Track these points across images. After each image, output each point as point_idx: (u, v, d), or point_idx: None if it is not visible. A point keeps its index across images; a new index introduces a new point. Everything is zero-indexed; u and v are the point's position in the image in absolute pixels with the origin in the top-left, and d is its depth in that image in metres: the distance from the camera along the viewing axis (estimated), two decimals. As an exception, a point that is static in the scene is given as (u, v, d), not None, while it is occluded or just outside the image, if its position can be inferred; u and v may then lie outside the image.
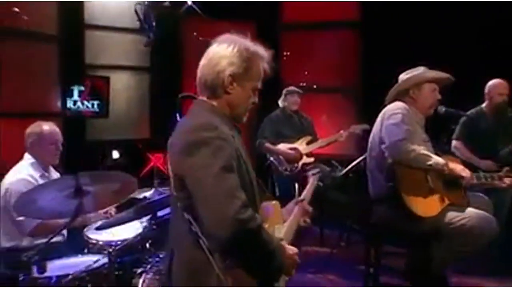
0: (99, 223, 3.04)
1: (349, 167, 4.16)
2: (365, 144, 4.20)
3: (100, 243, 3.00)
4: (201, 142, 1.64)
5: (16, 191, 2.86)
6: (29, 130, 3.12)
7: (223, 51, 1.80)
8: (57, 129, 3.15)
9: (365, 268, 3.40)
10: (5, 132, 5.05)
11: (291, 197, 2.26)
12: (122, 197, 2.63)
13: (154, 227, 2.95)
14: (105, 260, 2.57)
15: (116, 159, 6.91)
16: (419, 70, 3.21)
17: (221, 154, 1.63)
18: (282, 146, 4.74)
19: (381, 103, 3.25)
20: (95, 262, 2.53)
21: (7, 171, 3.11)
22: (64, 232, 3.14)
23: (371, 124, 4.30)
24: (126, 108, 6.84)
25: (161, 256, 2.90)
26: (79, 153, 5.68)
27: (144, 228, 3.02)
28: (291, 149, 4.75)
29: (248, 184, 1.74)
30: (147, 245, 3.01)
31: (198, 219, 1.67)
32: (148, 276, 2.72)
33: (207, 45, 1.86)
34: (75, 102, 5.99)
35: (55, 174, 3.20)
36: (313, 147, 4.70)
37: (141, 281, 2.69)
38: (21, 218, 2.88)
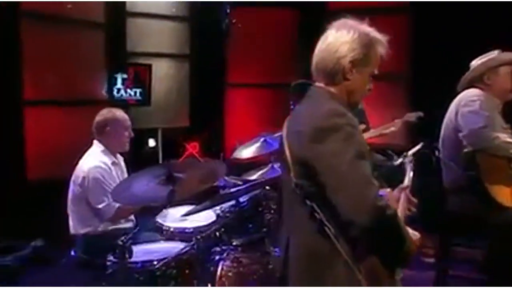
0: (172, 210, 3.07)
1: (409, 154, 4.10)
2: (417, 132, 4.14)
3: (172, 230, 3.03)
4: (331, 129, 1.63)
5: (93, 178, 2.93)
6: (100, 117, 3.15)
7: (343, 37, 1.78)
8: (126, 116, 3.17)
9: (434, 260, 3.35)
10: (51, 120, 5.09)
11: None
12: (211, 183, 2.64)
13: (228, 215, 2.96)
14: (184, 247, 2.58)
15: (152, 147, 6.93)
16: (493, 54, 3.13)
17: (353, 141, 1.62)
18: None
19: (432, 90, 3.18)
20: (184, 248, 2.53)
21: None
22: (133, 218, 3.17)
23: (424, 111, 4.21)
24: (166, 97, 6.85)
25: (234, 243, 2.90)
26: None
27: (218, 216, 3.02)
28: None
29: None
30: (217, 233, 3.01)
31: (322, 206, 1.65)
32: (226, 263, 2.72)
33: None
34: (118, 90, 6.00)
35: (122, 161, 3.22)
36: (366, 136, 4.62)
37: (219, 269, 2.69)
38: (102, 204, 2.90)
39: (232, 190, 2.78)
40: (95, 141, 3.18)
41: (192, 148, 7.20)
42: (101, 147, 3.14)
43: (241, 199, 2.87)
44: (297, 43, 6.44)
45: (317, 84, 1.85)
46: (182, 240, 2.94)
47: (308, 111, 1.75)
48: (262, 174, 3.19)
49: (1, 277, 2.40)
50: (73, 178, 3.08)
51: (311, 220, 1.67)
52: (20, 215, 4.34)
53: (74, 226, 3.05)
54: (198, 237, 2.62)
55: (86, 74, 5.51)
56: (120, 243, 2.28)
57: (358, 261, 1.63)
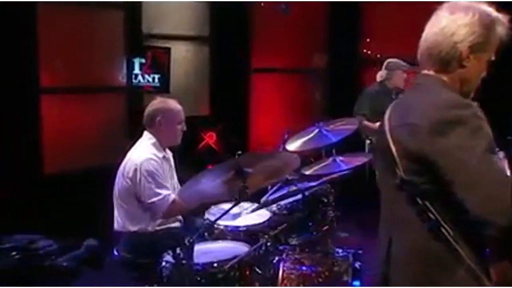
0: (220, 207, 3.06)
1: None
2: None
3: (223, 228, 3.00)
4: (456, 121, 1.58)
5: (146, 171, 2.93)
6: (153, 107, 3.10)
7: (461, 19, 1.70)
8: (177, 104, 3.14)
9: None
10: (68, 108, 5.06)
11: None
12: (282, 177, 2.63)
13: (285, 212, 2.94)
14: (254, 247, 2.56)
15: None
16: None
17: (481, 134, 1.57)
18: (382, 124, 4.66)
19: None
20: (253, 248, 2.52)
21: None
22: (181, 217, 3.15)
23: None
24: (184, 83, 6.79)
25: (292, 243, 2.89)
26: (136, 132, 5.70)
27: (274, 213, 3.00)
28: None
29: None
30: (271, 233, 2.99)
31: (438, 205, 1.61)
32: (287, 264, 2.71)
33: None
34: (136, 76, 5.95)
35: (171, 157, 3.20)
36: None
37: (280, 271, 2.67)
38: (154, 199, 2.87)
39: (300, 185, 2.74)
40: (145, 132, 3.13)
41: (209, 138, 7.18)
42: (152, 139, 3.09)
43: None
44: (326, 26, 6.40)
45: (425, 72, 1.80)
46: (234, 239, 2.92)
47: (422, 102, 1.69)
48: (322, 168, 3.16)
49: (58, 280, 2.38)
50: (121, 170, 3.04)
51: (422, 220, 1.62)
52: (38, 211, 4.39)
53: (121, 223, 3.01)
54: (266, 236, 2.59)
55: (104, 58, 5.46)
56: (187, 242, 2.25)
57: (484, 266, 1.60)
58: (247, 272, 2.55)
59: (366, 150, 4.66)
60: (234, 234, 2.96)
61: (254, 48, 6.61)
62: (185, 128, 3.16)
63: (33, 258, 2.36)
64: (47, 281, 2.30)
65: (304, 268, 2.70)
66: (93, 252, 2.59)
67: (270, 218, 3.04)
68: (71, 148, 4.98)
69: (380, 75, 4.79)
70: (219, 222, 3.01)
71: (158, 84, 6.41)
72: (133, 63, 5.78)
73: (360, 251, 2.81)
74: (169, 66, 6.46)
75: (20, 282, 2.30)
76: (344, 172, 2.66)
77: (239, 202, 2.39)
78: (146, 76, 6.23)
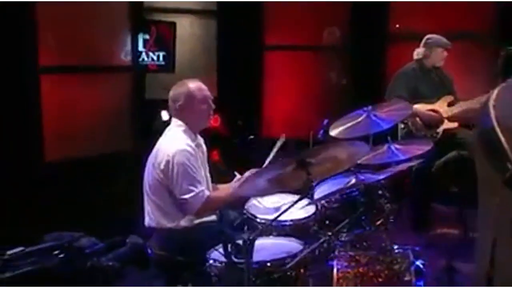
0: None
1: None
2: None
3: (264, 223, 2.97)
4: None
5: (179, 163, 2.90)
6: (174, 91, 3.08)
7: None
8: (204, 86, 3.09)
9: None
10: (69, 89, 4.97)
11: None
12: (348, 166, 2.61)
13: (335, 205, 2.91)
14: (316, 245, 2.54)
15: (166, 121, 6.81)
16: None
17: None
18: (421, 107, 4.63)
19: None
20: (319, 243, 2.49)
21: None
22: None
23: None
24: (189, 61, 6.69)
25: (342, 239, 2.87)
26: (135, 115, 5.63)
27: (323, 206, 2.98)
28: (429, 110, 4.64)
29: None
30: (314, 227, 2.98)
31: None
32: (341, 262, 2.70)
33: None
34: (139, 54, 5.86)
35: (202, 141, 3.16)
36: (457, 109, 4.59)
37: (335, 269, 2.65)
38: (188, 195, 2.85)
39: (362, 177, 2.71)
40: (173, 120, 3.10)
41: (213, 121, 7.10)
42: (182, 126, 3.05)
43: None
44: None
45: None
46: (279, 235, 2.89)
47: None
48: (377, 157, 3.10)
49: (102, 280, 2.35)
50: (151, 160, 3.00)
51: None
52: (38, 201, 4.33)
53: (154, 219, 2.98)
54: (329, 234, 2.56)
55: (107, 35, 5.33)
56: (245, 238, 2.23)
57: None
58: (302, 271, 2.53)
59: (399, 136, 4.65)
60: (279, 229, 2.92)
61: (267, 23, 6.51)
62: (213, 106, 3.11)
63: (76, 257, 2.32)
64: (91, 281, 2.26)
65: (360, 266, 2.66)
66: (137, 250, 2.55)
67: (315, 211, 3.01)
68: (74, 135, 4.91)
69: (418, 52, 4.73)
70: (259, 216, 3.00)
71: (162, 63, 6.32)
72: (137, 39, 5.68)
73: (417, 248, 2.79)
74: (175, 43, 6.37)
75: (63, 282, 2.26)
76: (412, 164, 2.62)
77: (305, 195, 2.36)
78: (150, 54, 6.14)
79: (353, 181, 2.71)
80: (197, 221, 3.01)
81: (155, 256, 2.94)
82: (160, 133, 6.65)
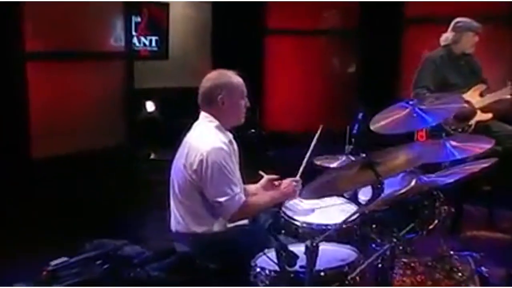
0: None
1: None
2: None
3: (305, 226, 2.96)
4: None
5: (214, 163, 2.85)
6: (211, 82, 3.01)
7: None
8: (238, 75, 3.07)
9: None
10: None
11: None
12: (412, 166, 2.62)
13: (385, 207, 2.91)
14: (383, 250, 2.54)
15: (151, 113, 6.77)
16: None
17: None
18: (450, 99, 4.68)
19: None
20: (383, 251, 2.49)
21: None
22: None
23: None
24: (181, 46, 6.64)
25: (387, 245, 2.87)
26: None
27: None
28: (461, 102, 4.69)
29: None
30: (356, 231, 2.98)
31: None
32: (395, 270, 2.70)
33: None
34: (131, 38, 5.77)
35: (232, 137, 3.14)
36: (489, 99, 4.63)
37: (390, 278, 2.65)
38: (224, 198, 2.84)
39: (426, 179, 2.70)
40: (202, 113, 3.04)
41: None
42: (214, 122, 2.99)
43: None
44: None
45: None
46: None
47: None
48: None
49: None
50: (181, 160, 2.94)
51: None
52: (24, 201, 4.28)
53: (183, 223, 2.94)
54: (395, 240, 2.55)
55: (95, 18, 5.21)
56: (309, 244, 2.22)
57: None
58: (358, 279, 2.52)
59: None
60: (322, 233, 2.91)
61: (269, 4, 6.48)
62: (248, 104, 3.09)
63: (121, 266, 2.30)
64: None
65: (417, 274, 2.68)
66: (185, 260, 2.53)
67: (358, 214, 3.00)
68: (64, 128, 4.84)
69: (446, 37, 4.73)
70: (302, 218, 3.00)
71: (155, 48, 6.26)
72: (130, 22, 5.60)
73: (479, 255, 2.82)
74: (168, 26, 6.31)
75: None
76: (485, 164, 2.60)
77: (377, 195, 2.37)
78: (142, 38, 6.07)
79: (413, 183, 2.70)
80: (230, 225, 2.97)
81: (185, 263, 2.90)
82: (144, 125, 6.59)
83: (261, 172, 3.26)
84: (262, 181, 3.25)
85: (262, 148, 6.26)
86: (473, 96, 4.67)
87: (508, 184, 4.59)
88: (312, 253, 2.25)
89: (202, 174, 2.86)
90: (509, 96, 4.59)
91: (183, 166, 2.93)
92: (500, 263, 3.96)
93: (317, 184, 2.44)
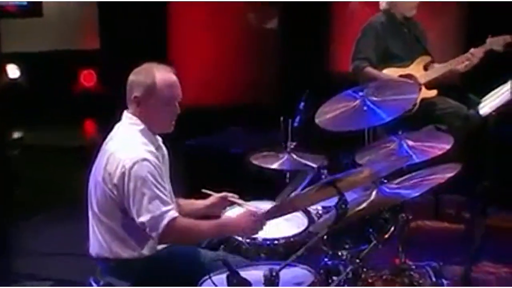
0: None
1: (497, 101, 4.57)
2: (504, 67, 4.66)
3: (248, 241, 3.22)
4: None
5: (138, 177, 2.94)
6: (134, 76, 3.10)
7: None
8: (176, 79, 3.14)
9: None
10: None
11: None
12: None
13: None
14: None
15: (14, 79, 6.75)
16: None
17: None
18: (392, 73, 5.03)
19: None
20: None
21: None
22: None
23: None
24: (60, 3, 6.58)
25: (344, 257, 3.21)
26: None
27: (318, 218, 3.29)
28: (404, 76, 5.03)
29: None
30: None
31: None
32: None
33: None
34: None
35: (160, 141, 3.27)
36: (435, 73, 5.03)
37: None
38: (143, 219, 2.94)
39: (392, 191, 2.98)
40: (126, 114, 3.14)
41: (86, 78, 7.03)
42: (139, 125, 3.08)
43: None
44: None
45: None
46: (269, 256, 3.16)
47: None
48: (386, 157, 3.35)
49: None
50: (100, 171, 3.02)
51: None
52: None
53: (107, 246, 3.05)
54: (358, 261, 2.87)
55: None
56: (268, 274, 2.46)
57: None
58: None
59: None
60: (269, 249, 3.18)
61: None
62: (178, 111, 3.15)
63: None
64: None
65: None
66: None
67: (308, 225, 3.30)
68: None
69: (382, 1, 5.09)
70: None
71: (25, 3, 6.16)
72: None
73: (436, 264, 3.14)
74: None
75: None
76: (451, 175, 2.87)
77: (344, 213, 2.65)
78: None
79: (373, 196, 2.99)
80: (160, 247, 3.11)
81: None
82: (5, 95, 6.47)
83: (206, 191, 3.41)
84: (213, 199, 3.41)
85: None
86: (417, 70, 5.05)
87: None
88: (272, 284, 2.49)
89: (124, 190, 2.95)
90: (461, 67, 5.01)
91: (102, 179, 3.02)
92: (450, 258, 4.49)
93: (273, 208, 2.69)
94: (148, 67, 3.13)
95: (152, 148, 3.08)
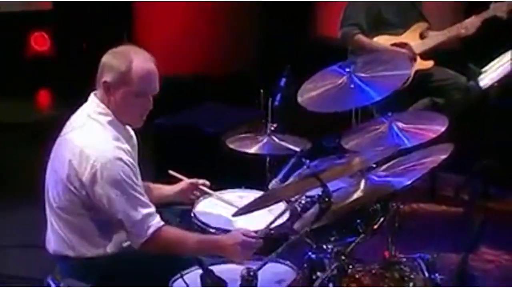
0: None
1: (498, 72, 4.63)
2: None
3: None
4: None
5: (110, 179, 2.96)
6: (107, 57, 3.09)
7: None
8: (154, 67, 3.11)
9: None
10: None
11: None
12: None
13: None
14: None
15: None
16: None
17: None
18: (384, 41, 5.07)
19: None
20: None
21: None
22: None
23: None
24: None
25: (330, 250, 3.27)
26: None
27: (301, 208, 3.34)
28: (397, 45, 5.08)
29: None
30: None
31: None
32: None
33: None
34: None
35: (133, 134, 3.30)
36: (432, 42, 5.07)
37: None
38: (128, 222, 2.99)
39: (381, 179, 3.04)
40: (95, 100, 3.13)
41: (38, 41, 6.91)
42: (108, 115, 3.08)
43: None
44: None
45: None
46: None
47: None
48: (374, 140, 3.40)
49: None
50: (65, 169, 3.01)
51: None
52: None
53: (69, 245, 3.09)
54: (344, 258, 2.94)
55: None
56: (245, 274, 2.56)
57: None
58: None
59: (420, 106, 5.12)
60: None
61: None
62: (151, 106, 3.14)
63: None
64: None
65: None
66: None
67: (290, 214, 3.31)
68: None
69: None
70: (213, 224, 3.30)
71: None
72: None
73: (429, 256, 3.18)
74: None
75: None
76: (444, 157, 2.90)
77: (327, 207, 2.71)
78: None
79: (362, 186, 3.04)
80: (127, 243, 3.14)
81: None
82: None
83: (172, 173, 3.48)
84: (183, 185, 3.46)
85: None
86: (412, 38, 5.09)
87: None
88: (250, 285, 2.58)
89: (94, 192, 2.98)
90: (458, 32, 5.05)
91: (65, 176, 3.02)
92: (447, 245, 4.58)
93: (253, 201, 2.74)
94: (125, 51, 3.10)
95: (125, 144, 3.10)
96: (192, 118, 5.37)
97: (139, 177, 3.12)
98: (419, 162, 2.98)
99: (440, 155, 2.95)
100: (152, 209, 3.04)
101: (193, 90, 5.84)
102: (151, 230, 2.98)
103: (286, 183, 3.12)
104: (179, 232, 3.13)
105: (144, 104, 3.11)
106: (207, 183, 3.48)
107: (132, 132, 3.26)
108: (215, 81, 6.02)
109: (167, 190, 3.48)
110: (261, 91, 4.20)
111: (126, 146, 3.08)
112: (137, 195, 3.00)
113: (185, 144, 5.13)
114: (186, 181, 3.45)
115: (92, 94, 3.15)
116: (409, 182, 2.90)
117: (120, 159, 2.98)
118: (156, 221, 3.01)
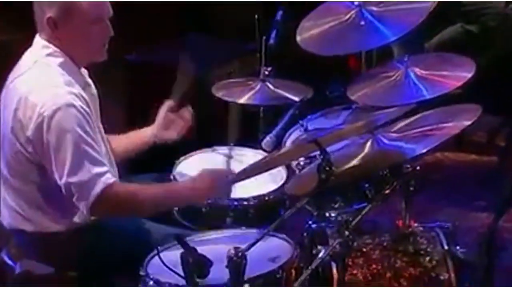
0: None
1: None
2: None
3: (208, 202, 3.42)
4: None
5: (60, 129, 3.05)
6: None
7: None
8: None
9: None
10: None
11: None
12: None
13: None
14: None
15: None
16: None
17: None
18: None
19: None
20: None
21: None
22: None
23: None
24: None
25: (333, 219, 3.44)
26: None
27: (298, 169, 3.51)
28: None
29: None
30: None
31: None
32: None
33: None
34: None
35: (88, 77, 3.40)
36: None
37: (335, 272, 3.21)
38: (72, 179, 3.05)
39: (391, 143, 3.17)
40: (40, 41, 3.22)
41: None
42: (59, 57, 3.18)
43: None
44: None
45: None
46: (237, 221, 3.37)
47: None
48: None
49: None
50: (9, 121, 3.13)
51: None
52: None
53: (21, 216, 3.22)
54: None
55: None
56: (233, 255, 2.68)
57: None
58: (292, 275, 3.03)
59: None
60: (237, 212, 3.42)
61: None
62: (111, 31, 3.22)
63: None
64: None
65: (372, 263, 3.21)
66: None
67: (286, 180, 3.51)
68: None
69: None
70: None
71: None
72: None
73: (449, 225, 3.35)
74: None
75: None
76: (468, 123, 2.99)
77: (328, 177, 2.84)
78: None
79: (367, 148, 3.18)
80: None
81: (25, 273, 3.26)
82: None
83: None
84: (159, 119, 3.59)
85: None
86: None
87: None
88: (237, 267, 2.72)
89: (42, 145, 3.06)
90: None
91: (10, 130, 3.13)
92: (477, 201, 4.72)
93: (249, 167, 2.90)
94: None
95: (79, 89, 3.17)
96: (173, 53, 5.37)
97: (97, 130, 3.22)
98: (438, 126, 3.07)
99: (464, 121, 3.04)
100: (105, 168, 3.10)
101: (174, 19, 5.77)
102: (98, 188, 3.04)
103: (285, 149, 3.24)
104: (134, 185, 3.25)
105: (103, 31, 3.20)
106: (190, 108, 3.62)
107: (89, 80, 3.34)
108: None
109: (141, 134, 3.61)
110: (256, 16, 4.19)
111: (80, 92, 3.13)
112: (90, 150, 3.07)
113: (162, 85, 5.04)
114: (161, 113, 3.58)
115: (36, 36, 3.21)
116: (424, 151, 3.01)
117: (73, 106, 3.04)
118: (105, 177, 3.07)
